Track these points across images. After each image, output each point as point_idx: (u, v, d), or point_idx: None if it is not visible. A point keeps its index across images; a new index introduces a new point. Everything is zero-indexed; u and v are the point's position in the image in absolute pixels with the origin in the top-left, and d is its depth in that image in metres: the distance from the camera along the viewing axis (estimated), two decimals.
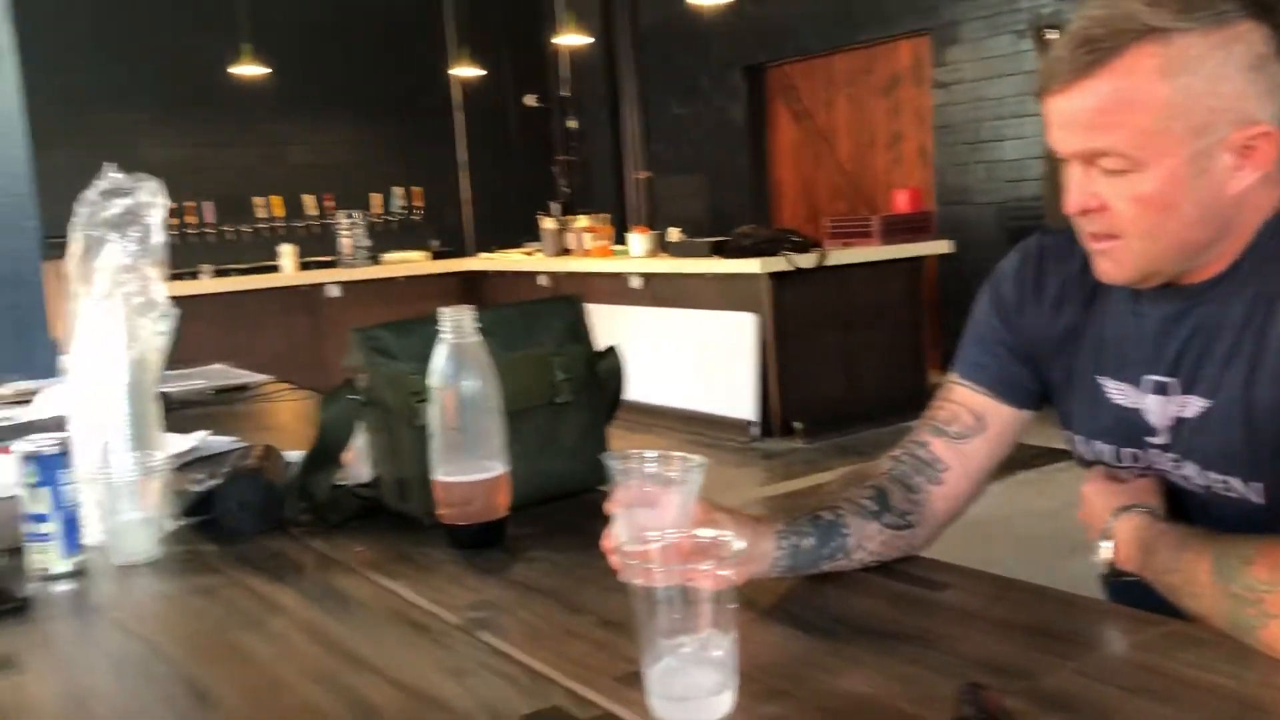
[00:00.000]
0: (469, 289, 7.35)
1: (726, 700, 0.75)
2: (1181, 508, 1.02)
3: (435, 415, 1.14)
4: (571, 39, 7.29)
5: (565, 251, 6.82)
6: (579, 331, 1.37)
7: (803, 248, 5.28)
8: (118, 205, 1.26)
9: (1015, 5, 5.99)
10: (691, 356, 5.56)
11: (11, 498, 1.51)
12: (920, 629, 0.90)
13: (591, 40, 7.52)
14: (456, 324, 1.14)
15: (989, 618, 0.92)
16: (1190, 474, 1.01)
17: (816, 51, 7.23)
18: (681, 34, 7.81)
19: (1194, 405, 1.00)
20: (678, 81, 8.00)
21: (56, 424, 2.04)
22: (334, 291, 6.80)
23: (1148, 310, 1.04)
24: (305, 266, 6.95)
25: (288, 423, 2.23)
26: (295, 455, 1.49)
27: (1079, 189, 0.99)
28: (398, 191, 8.24)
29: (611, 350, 1.39)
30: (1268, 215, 0.98)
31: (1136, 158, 0.94)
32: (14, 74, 2.56)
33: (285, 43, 7.50)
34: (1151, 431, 1.03)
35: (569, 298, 1.39)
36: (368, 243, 7.23)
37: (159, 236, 1.27)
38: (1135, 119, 0.93)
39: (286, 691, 0.85)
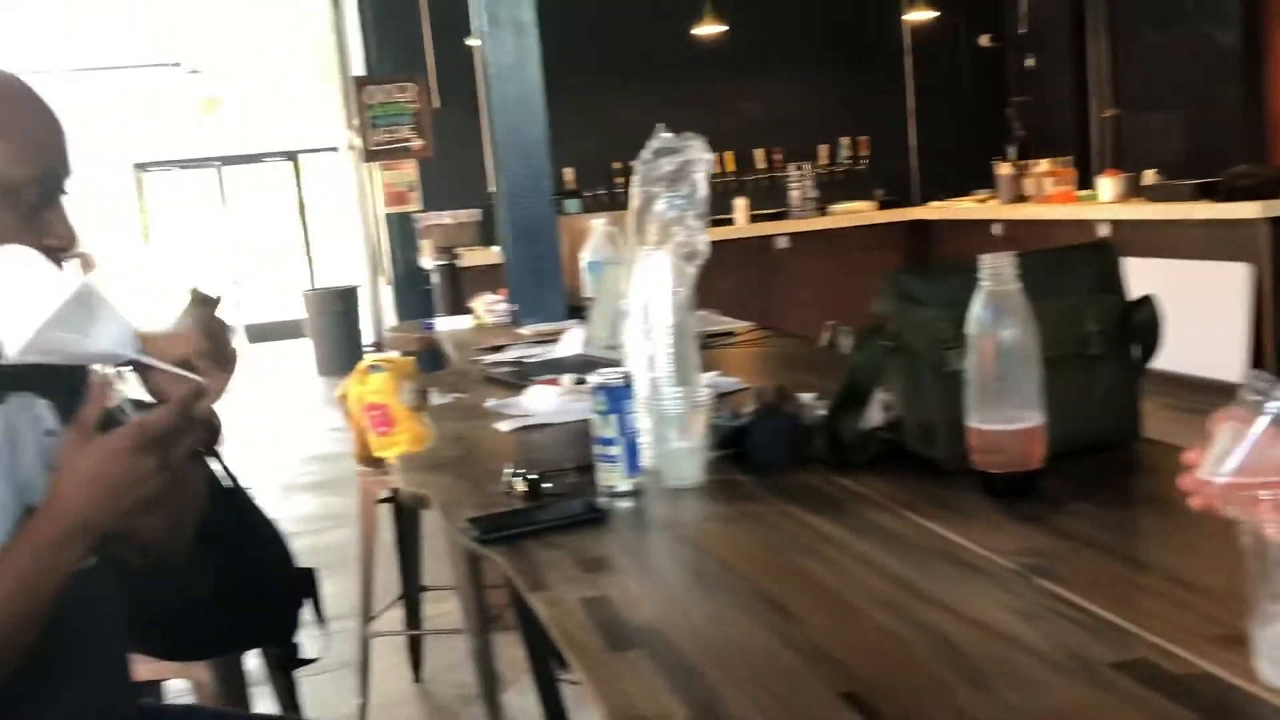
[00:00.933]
0: (915, 239, 7.24)
1: None
2: None
3: (972, 362, 1.15)
4: None
5: (1021, 198, 6.49)
6: (1111, 281, 1.32)
7: None
8: (668, 163, 1.38)
9: None
10: (1170, 312, 5.08)
11: (559, 423, 1.73)
12: None
13: None
14: (996, 271, 1.14)
15: None
16: None
17: None
18: None
19: None
20: (1154, 7, 7.27)
21: (578, 362, 2.30)
22: (783, 243, 6.99)
23: None
24: (755, 219, 7.19)
25: (774, 366, 2.34)
26: (806, 396, 1.57)
27: None
28: (844, 142, 8.25)
29: (1148, 300, 1.32)
30: None
31: None
32: (535, 47, 2.86)
33: (742, 1, 7.74)
34: None
35: (1101, 244, 1.33)
36: (815, 194, 7.34)
37: (703, 191, 1.38)
38: None
39: (860, 616, 0.91)
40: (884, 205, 7.48)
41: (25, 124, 1.01)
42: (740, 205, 7.21)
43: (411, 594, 2.97)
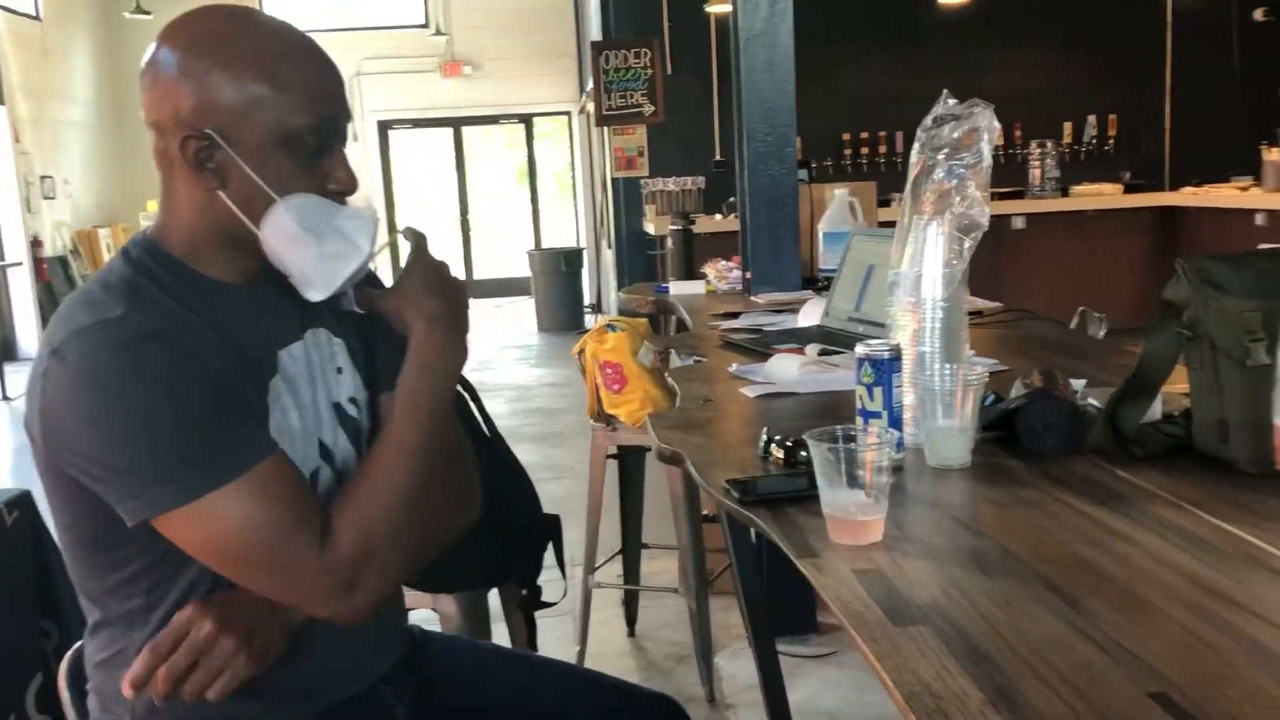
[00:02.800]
0: (1164, 226, 6.78)
1: None
2: None
3: None
4: None
5: None
6: None
7: None
8: (951, 129, 1.33)
9: None
10: None
11: (804, 393, 1.71)
12: None
13: None
14: None
15: None
16: None
17: None
18: None
19: None
20: None
21: (818, 333, 2.27)
22: (1019, 223, 6.69)
23: None
24: (991, 197, 6.89)
25: (1028, 349, 2.23)
26: (1078, 383, 1.49)
27: None
28: (1091, 120, 7.81)
29: None
30: None
31: None
32: (789, 13, 2.82)
33: None
34: None
35: None
36: (1056, 173, 6.98)
37: (987, 160, 1.33)
38: None
39: (1159, 615, 0.85)
40: (1130, 189, 7.06)
41: (302, 76, 1.05)
42: None
43: (631, 550, 3.03)
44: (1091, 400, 1.40)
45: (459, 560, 1.66)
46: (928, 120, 1.35)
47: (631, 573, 3.04)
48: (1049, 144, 7.02)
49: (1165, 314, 1.23)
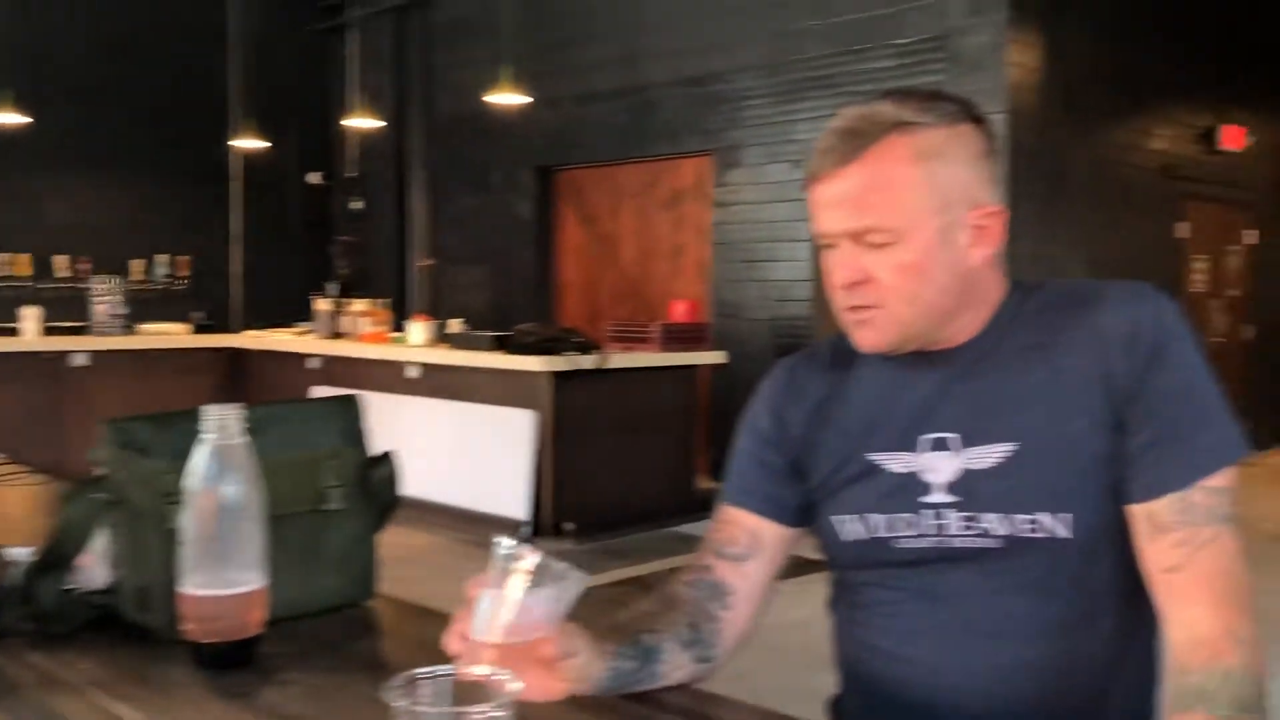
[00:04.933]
0: (233, 366, 7.00)
1: None
2: (974, 575, 1.07)
3: (189, 521, 1.06)
4: (361, 122, 7.20)
5: (339, 335, 6.62)
6: (355, 434, 1.31)
7: (585, 348, 5.33)
8: None
9: (791, 136, 6.38)
10: (467, 451, 5.46)
11: None
12: None
13: (383, 124, 7.46)
14: (221, 423, 1.07)
15: None
16: (991, 525, 1.06)
17: (605, 160, 7.44)
18: (475, 128, 7.87)
19: (992, 454, 1.07)
20: (468, 174, 8.02)
21: None
22: (81, 360, 6.32)
23: (911, 378, 1.13)
24: (50, 332, 6.44)
25: (16, 513, 2.02)
26: (20, 553, 1.35)
27: (846, 265, 1.09)
28: (161, 259, 7.82)
29: (387, 456, 1.34)
30: (1002, 291, 1.13)
31: (897, 230, 1.06)
32: None
33: (52, 93, 7.06)
34: (927, 490, 1.09)
35: (348, 398, 1.33)
36: (124, 311, 6.78)
37: None
38: (895, 196, 1.06)
39: None
40: (201, 329, 7.16)
41: None
42: (32, 315, 6.41)
43: None
44: None
45: None
46: None
47: None
48: (115, 280, 6.82)
49: (86, 478, 1.16)
